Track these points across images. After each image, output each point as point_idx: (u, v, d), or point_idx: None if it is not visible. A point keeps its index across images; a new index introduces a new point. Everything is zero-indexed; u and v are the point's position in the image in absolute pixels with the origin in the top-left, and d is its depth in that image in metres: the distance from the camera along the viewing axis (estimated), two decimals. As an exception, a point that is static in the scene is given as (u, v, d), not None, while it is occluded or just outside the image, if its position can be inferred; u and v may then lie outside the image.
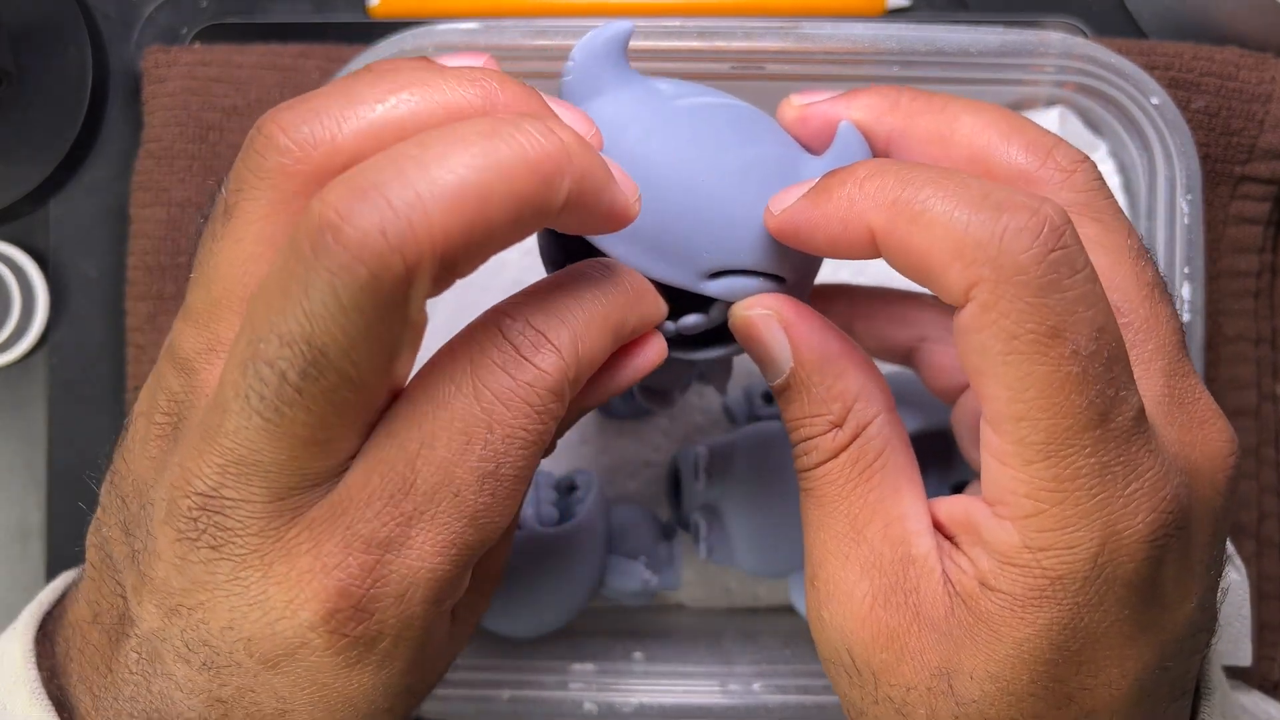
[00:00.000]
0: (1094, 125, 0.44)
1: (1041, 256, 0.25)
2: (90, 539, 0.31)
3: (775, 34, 0.42)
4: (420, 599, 0.26)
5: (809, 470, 0.31)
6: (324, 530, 0.26)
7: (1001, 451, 0.27)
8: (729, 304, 0.32)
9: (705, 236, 0.30)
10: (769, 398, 0.48)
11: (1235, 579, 0.41)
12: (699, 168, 0.30)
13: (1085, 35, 0.51)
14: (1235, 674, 0.49)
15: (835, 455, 0.30)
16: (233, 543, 0.26)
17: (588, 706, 0.42)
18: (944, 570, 0.29)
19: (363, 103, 0.26)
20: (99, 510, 0.31)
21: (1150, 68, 0.47)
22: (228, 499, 0.26)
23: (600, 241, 0.30)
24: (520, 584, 0.42)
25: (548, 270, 0.33)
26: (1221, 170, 0.49)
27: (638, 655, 0.45)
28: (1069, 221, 0.26)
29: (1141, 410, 0.27)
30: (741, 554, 0.44)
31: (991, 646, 0.27)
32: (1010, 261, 0.25)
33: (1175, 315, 0.31)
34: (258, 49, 0.49)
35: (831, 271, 0.51)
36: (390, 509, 0.26)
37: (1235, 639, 0.41)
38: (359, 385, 0.24)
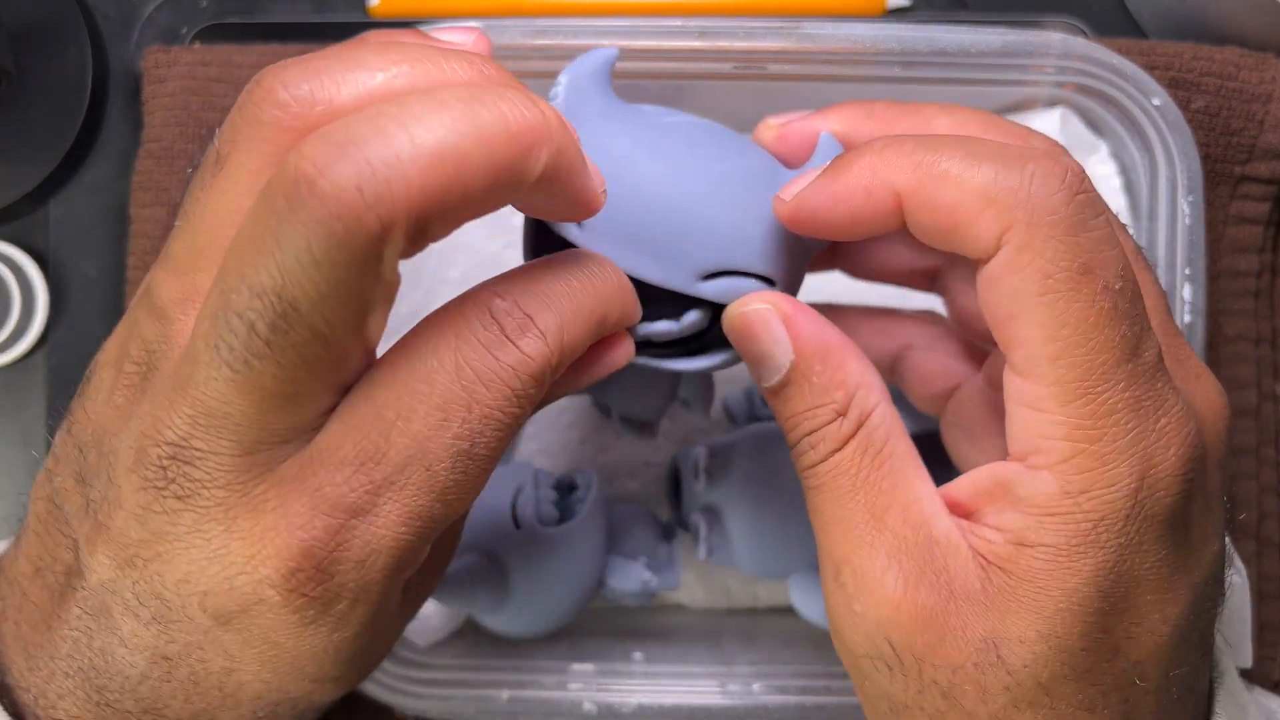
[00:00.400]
0: (1095, 126, 0.44)
1: (1069, 198, 0.26)
2: (36, 491, 0.31)
3: (776, 34, 0.42)
4: (381, 566, 0.26)
5: (816, 466, 0.30)
6: (292, 489, 0.26)
7: (1036, 396, 0.27)
8: (706, 311, 0.33)
9: (698, 239, 0.30)
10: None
11: (1236, 580, 0.40)
12: (688, 174, 0.31)
13: (1085, 35, 0.51)
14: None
15: (843, 445, 0.30)
16: (199, 494, 0.26)
17: (587, 707, 0.42)
18: (970, 545, 0.29)
19: (364, 69, 0.26)
20: (50, 461, 0.30)
21: (1150, 68, 0.47)
22: (196, 450, 0.26)
23: (595, 244, 0.30)
24: (520, 584, 0.42)
25: (527, 252, 0.34)
26: (1221, 170, 0.49)
27: (637, 655, 0.45)
28: (1083, 170, 0.27)
29: (1160, 350, 0.28)
30: (741, 554, 0.44)
31: (1039, 603, 0.27)
32: (1042, 203, 0.26)
33: (1158, 281, 0.32)
34: (258, 49, 0.49)
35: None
36: (361, 475, 0.26)
37: (1236, 639, 0.41)
38: (329, 341, 0.24)
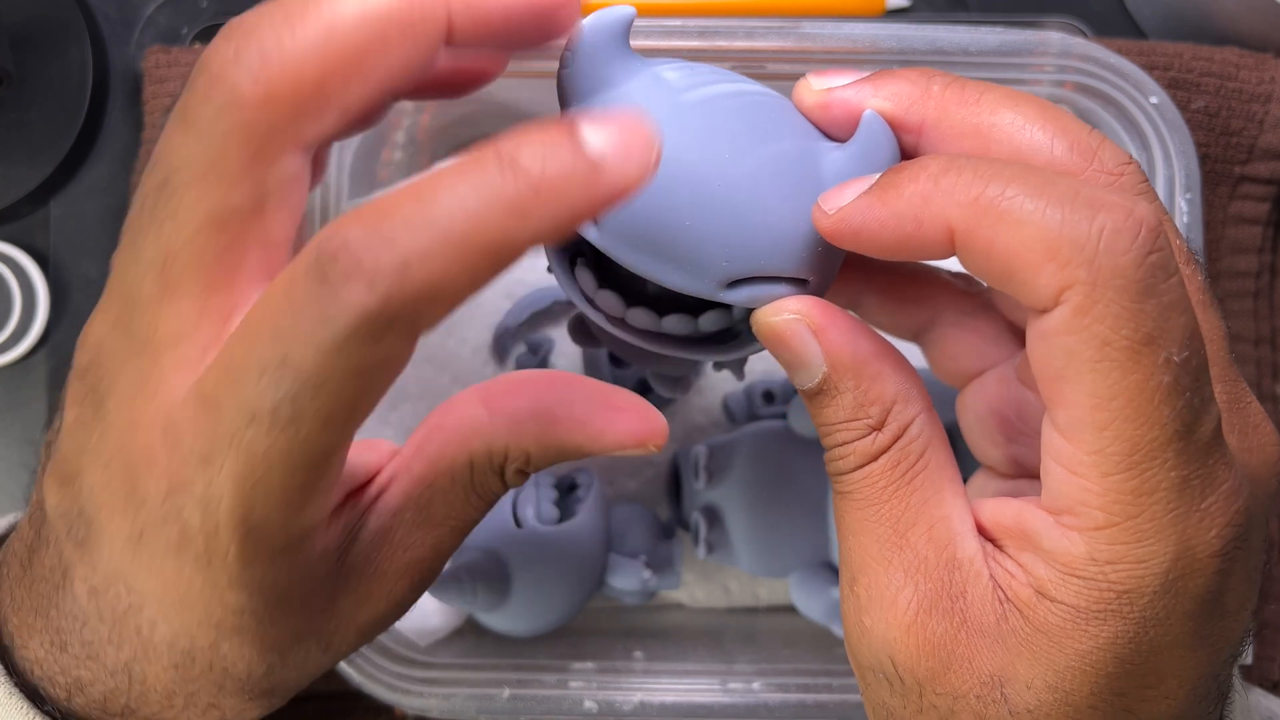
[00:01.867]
0: (1092, 124, 0.44)
1: (1140, 259, 0.24)
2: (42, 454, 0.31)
3: (776, 33, 0.42)
4: (227, 511, 0.25)
5: (845, 474, 0.29)
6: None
7: (1075, 460, 0.26)
8: (728, 310, 0.31)
9: (722, 243, 0.28)
10: (769, 397, 0.49)
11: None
12: (712, 170, 0.28)
13: (1085, 36, 0.51)
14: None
15: (874, 459, 0.29)
16: (107, 399, 0.27)
17: (588, 705, 0.42)
18: (991, 574, 0.28)
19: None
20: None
21: (1150, 68, 0.47)
22: (107, 355, 0.27)
23: (612, 247, 0.28)
24: (520, 582, 0.42)
25: (555, 267, 0.32)
26: (1221, 170, 0.49)
27: (638, 654, 0.45)
28: (1163, 223, 0.25)
29: (1219, 421, 0.26)
30: (741, 553, 0.44)
31: (1050, 656, 0.27)
32: (1109, 264, 0.24)
33: (1223, 321, 0.30)
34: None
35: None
36: (205, 419, 0.25)
37: (1235, 638, 0.41)
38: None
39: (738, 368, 0.36)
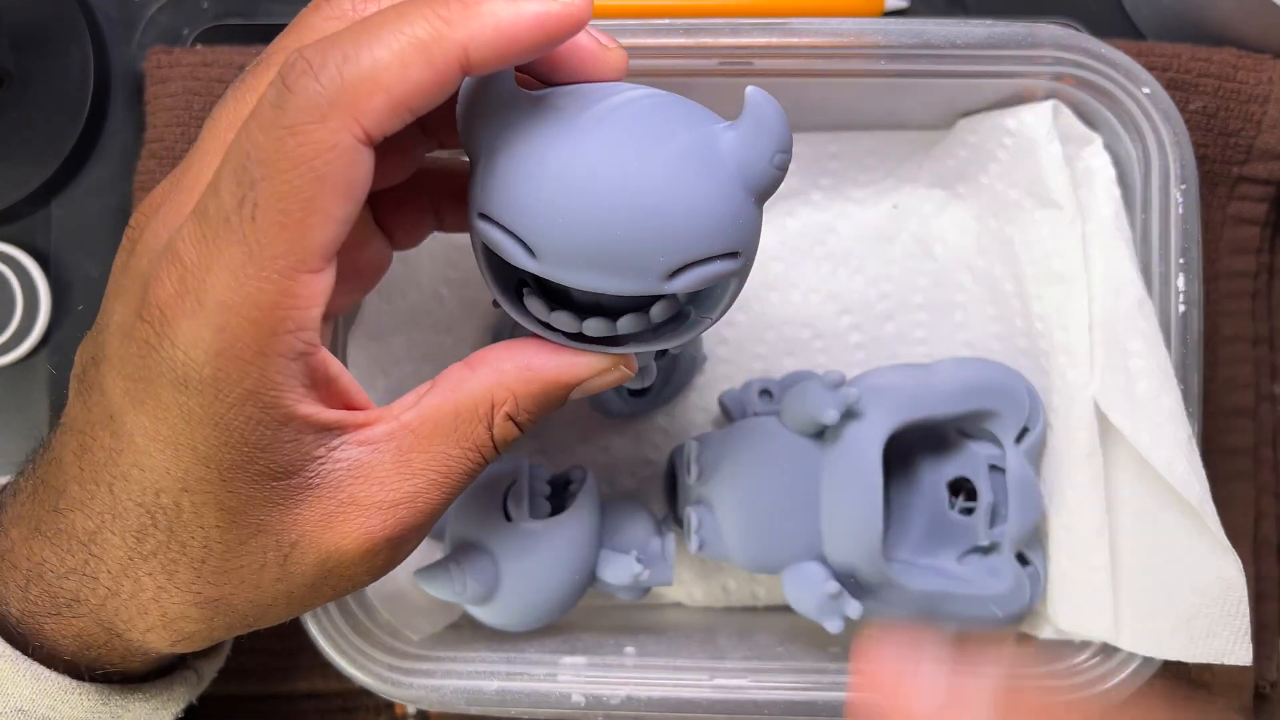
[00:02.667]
0: (1087, 118, 0.44)
1: None
2: None
3: (762, 30, 0.42)
4: (208, 329, 0.28)
5: None
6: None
7: None
8: (679, 297, 0.33)
9: (653, 241, 0.30)
10: (765, 394, 0.49)
11: (1234, 576, 0.40)
12: (626, 175, 0.29)
13: (1083, 37, 0.51)
14: (1232, 671, 0.48)
15: None
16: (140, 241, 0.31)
17: (575, 698, 0.42)
18: None
19: None
20: None
21: (1148, 68, 0.47)
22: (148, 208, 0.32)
23: (551, 271, 0.30)
24: (510, 575, 0.42)
25: (503, 302, 0.34)
26: (1219, 171, 0.49)
27: (629, 649, 0.45)
28: None
29: None
30: (733, 548, 0.44)
31: None
32: None
33: None
34: (259, 50, 0.49)
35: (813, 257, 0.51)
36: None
37: (1235, 636, 0.41)
38: None
39: (696, 347, 0.37)
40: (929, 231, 0.50)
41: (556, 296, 0.34)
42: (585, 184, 0.29)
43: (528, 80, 0.33)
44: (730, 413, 0.49)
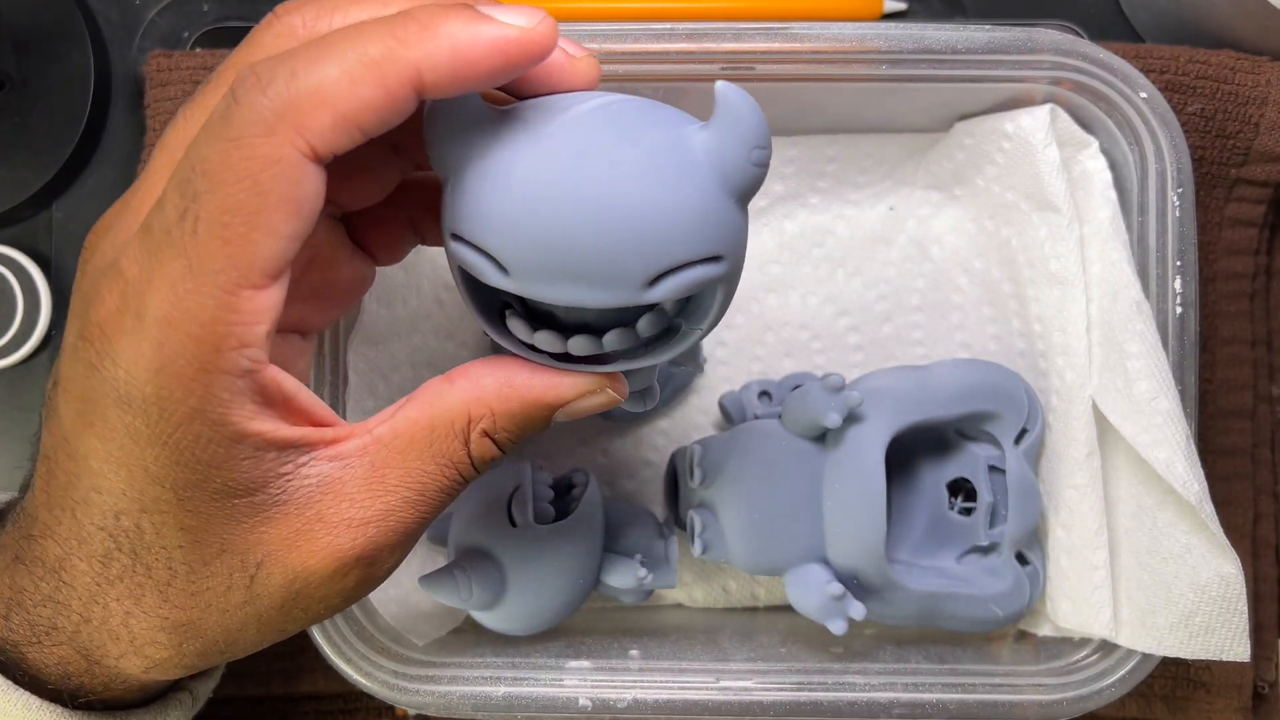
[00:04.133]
0: (1084, 122, 0.44)
1: None
2: None
3: (764, 35, 0.42)
4: (149, 346, 0.27)
5: None
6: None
7: None
8: (666, 308, 0.32)
9: (629, 248, 0.28)
10: (764, 395, 0.49)
11: (1232, 573, 0.40)
12: (596, 183, 0.28)
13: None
14: (1231, 671, 0.49)
15: None
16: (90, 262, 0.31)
17: (582, 702, 0.42)
18: None
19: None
20: None
21: (1146, 71, 0.47)
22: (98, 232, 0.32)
23: (526, 288, 0.29)
24: (515, 581, 0.42)
25: (486, 325, 0.33)
26: (1217, 173, 0.49)
27: (634, 653, 0.45)
28: None
29: None
30: (735, 550, 0.44)
31: None
32: None
33: None
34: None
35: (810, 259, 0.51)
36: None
37: (1234, 634, 0.41)
38: None
39: (690, 358, 0.36)
40: (926, 233, 0.50)
41: (540, 317, 0.33)
42: (552, 193, 0.28)
43: (497, 95, 0.32)
44: (730, 415, 0.50)
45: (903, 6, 0.53)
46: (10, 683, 0.33)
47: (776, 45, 0.42)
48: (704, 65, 0.42)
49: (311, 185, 0.27)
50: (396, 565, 0.32)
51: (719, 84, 0.29)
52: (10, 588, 0.32)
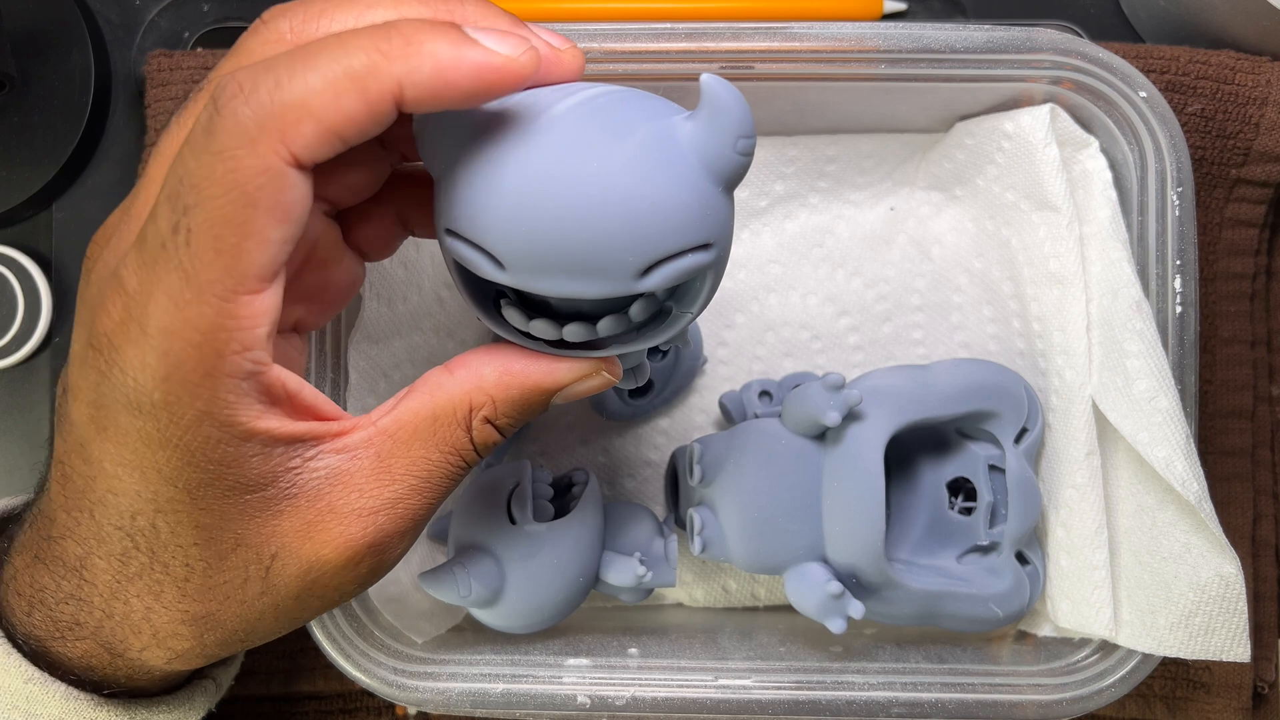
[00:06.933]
0: (1084, 122, 0.44)
1: None
2: None
3: (763, 34, 0.42)
4: (154, 354, 0.28)
5: None
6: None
7: None
8: (657, 294, 0.32)
9: (621, 238, 0.29)
10: (765, 395, 0.49)
11: (1232, 573, 0.40)
12: (587, 175, 0.29)
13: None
14: (1230, 671, 0.49)
15: None
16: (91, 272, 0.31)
17: (580, 699, 0.42)
18: None
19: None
20: None
21: (1146, 71, 0.47)
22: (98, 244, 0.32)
23: (522, 281, 0.30)
24: (514, 579, 0.42)
25: (483, 315, 0.33)
26: (1217, 173, 0.49)
27: (633, 651, 0.45)
28: None
29: None
30: (736, 549, 0.44)
31: None
32: None
33: None
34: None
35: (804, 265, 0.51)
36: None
37: (1234, 635, 0.41)
38: None
39: (683, 338, 0.37)
40: (926, 233, 0.51)
41: (535, 305, 0.34)
42: (544, 188, 0.29)
43: None
44: (730, 414, 0.50)
45: (902, 7, 0.53)
46: (46, 674, 0.34)
47: (776, 45, 0.42)
48: (703, 65, 0.42)
49: (299, 191, 0.27)
50: (405, 552, 0.33)
51: (704, 76, 0.30)
52: (31, 586, 0.33)
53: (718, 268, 0.32)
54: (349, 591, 0.33)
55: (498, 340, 0.34)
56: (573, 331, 0.32)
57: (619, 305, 0.33)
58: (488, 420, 0.32)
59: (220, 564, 0.31)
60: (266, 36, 0.31)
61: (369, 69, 0.27)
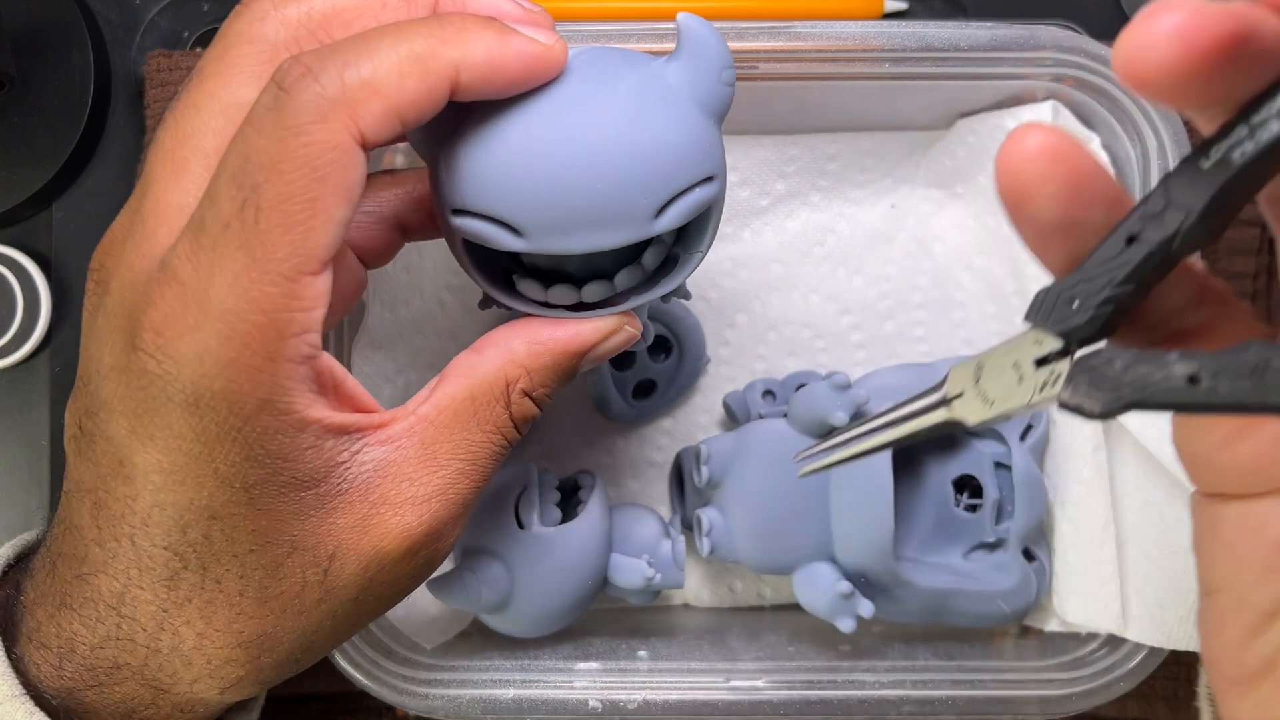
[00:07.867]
0: (1086, 118, 0.44)
1: None
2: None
3: (767, 33, 0.42)
4: (216, 341, 0.28)
5: None
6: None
7: None
8: (659, 248, 0.33)
9: (632, 182, 0.30)
10: (768, 394, 0.49)
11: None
12: (588, 129, 0.30)
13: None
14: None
15: None
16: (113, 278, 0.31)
17: (592, 704, 0.42)
18: None
19: None
20: None
21: (1146, 69, 0.47)
22: (114, 240, 0.32)
23: (542, 243, 0.30)
24: (523, 583, 0.42)
25: (495, 293, 0.34)
26: (1219, 171, 0.49)
27: (642, 654, 0.45)
28: None
29: None
30: (744, 550, 0.44)
31: None
32: None
33: None
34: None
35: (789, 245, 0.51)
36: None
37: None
38: None
39: (684, 294, 0.39)
40: (928, 231, 0.51)
41: (545, 274, 0.34)
42: (552, 146, 0.30)
43: None
44: (734, 414, 0.49)
45: (903, 6, 0.53)
46: None
47: (779, 44, 0.42)
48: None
49: (360, 171, 0.28)
50: (456, 540, 0.34)
51: (680, 15, 0.31)
52: (59, 636, 0.32)
53: (719, 202, 0.33)
54: (403, 588, 0.33)
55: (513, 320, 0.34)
56: (593, 290, 0.33)
57: (630, 256, 0.33)
58: (525, 393, 0.33)
59: (277, 571, 0.30)
60: (251, 17, 0.31)
61: (430, 52, 0.28)
